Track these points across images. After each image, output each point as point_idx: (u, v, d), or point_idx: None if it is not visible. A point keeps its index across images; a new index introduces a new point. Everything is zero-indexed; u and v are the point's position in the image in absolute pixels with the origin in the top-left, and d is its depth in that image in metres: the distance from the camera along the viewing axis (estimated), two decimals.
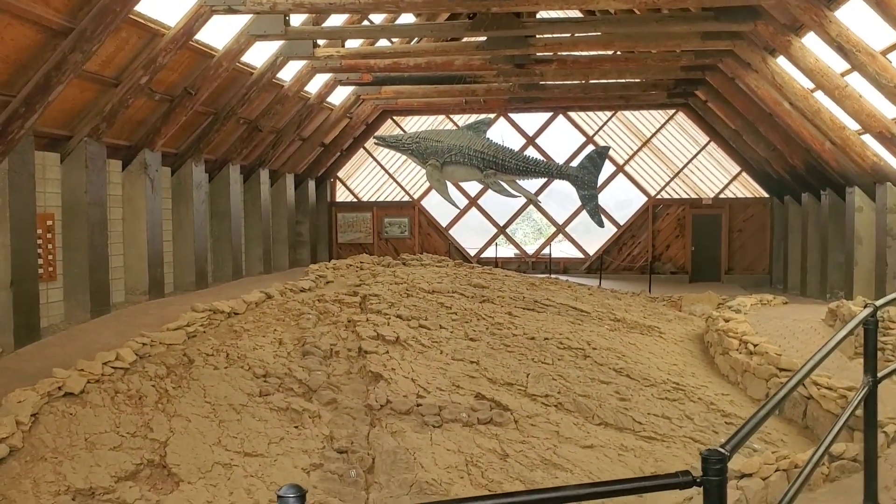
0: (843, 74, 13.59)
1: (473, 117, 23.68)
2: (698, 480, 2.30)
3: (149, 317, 11.95)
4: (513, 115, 25.64)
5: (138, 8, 11.46)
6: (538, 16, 19.77)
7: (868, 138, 14.52)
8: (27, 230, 10.78)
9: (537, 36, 16.02)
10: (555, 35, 16.48)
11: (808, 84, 14.76)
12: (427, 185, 24.57)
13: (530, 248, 28.43)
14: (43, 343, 10.75)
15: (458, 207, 23.91)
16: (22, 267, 10.60)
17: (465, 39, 18.79)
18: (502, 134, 23.64)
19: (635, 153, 25.41)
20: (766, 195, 23.97)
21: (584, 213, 23.17)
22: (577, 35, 16.45)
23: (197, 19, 12.71)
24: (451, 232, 26.06)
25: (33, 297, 10.94)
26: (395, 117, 26.01)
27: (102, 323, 11.89)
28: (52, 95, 10.29)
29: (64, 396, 8.20)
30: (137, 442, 7.91)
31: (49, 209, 11.85)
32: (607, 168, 23.36)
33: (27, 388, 8.08)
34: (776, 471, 6.45)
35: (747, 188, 24.97)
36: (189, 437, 8.11)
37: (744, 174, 24.56)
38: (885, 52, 12.14)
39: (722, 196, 24.99)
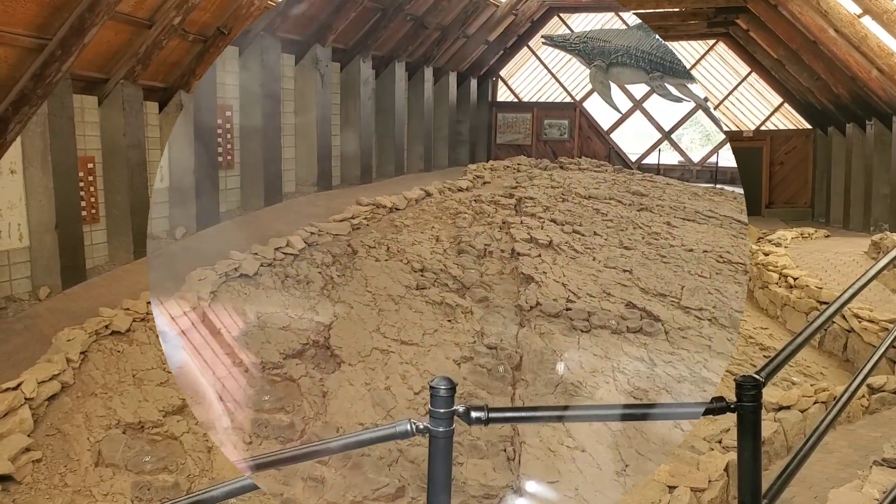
0: None
1: None
2: (732, 407, 2.29)
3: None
4: None
5: None
6: None
7: None
8: (69, 173, 10.91)
9: None
10: None
11: (855, 9, 14.23)
12: (590, 86, 23.61)
13: (696, 155, 27.37)
14: (89, 284, 10.99)
15: (619, 112, 22.92)
16: (66, 210, 10.77)
17: None
18: None
19: None
20: (809, 126, 23.34)
21: None
22: None
23: None
24: (612, 136, 25.25)
25: (78, 239, 11.14)
26: (561, 14, 25.15)
27: (143, 264, 12.10)
28: (86, 37, 10.28)
29: (111, 335, 8.44)
30: None
31: (90, 152, 11.97)
32: None
33: (76, 326, 8.33)
34: (815, 403, 6.45)
35: (789, 119, 24.35)
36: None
37: (786, 105, 23.91)
38: None
39: (763, 128, 24.41)
